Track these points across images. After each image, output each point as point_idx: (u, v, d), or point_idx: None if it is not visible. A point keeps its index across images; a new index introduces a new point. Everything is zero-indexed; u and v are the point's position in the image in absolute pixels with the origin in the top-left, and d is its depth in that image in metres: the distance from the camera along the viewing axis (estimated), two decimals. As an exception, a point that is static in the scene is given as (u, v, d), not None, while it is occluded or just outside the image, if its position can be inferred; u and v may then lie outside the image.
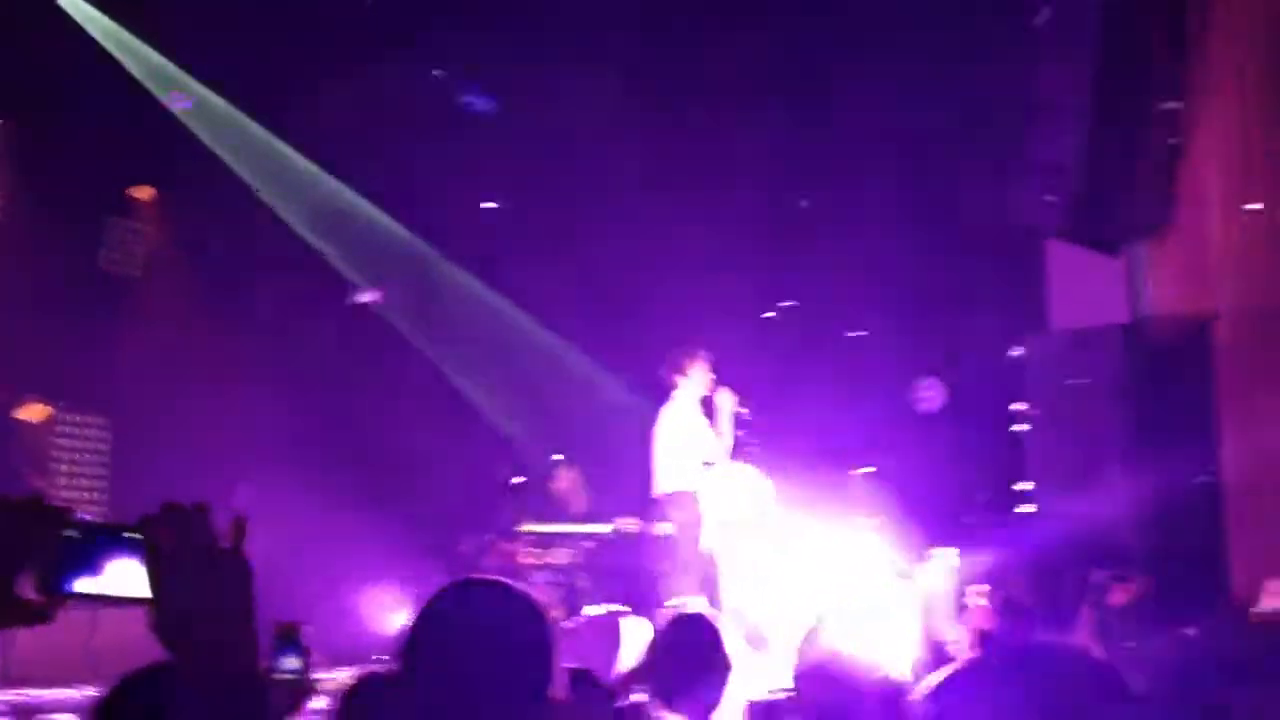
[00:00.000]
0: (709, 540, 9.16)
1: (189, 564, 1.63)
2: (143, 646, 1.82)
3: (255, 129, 12.01)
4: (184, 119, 11.71)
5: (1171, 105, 11.44)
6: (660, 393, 11.03)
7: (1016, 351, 11.59)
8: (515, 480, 10.00)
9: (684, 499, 8.55)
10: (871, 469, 11.17)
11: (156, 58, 11.58)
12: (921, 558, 10.34)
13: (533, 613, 2.08)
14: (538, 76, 11.84)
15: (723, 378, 10.46)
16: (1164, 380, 10.84)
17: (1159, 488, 9.88)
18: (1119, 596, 9.34)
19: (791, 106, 12.24)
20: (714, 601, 8.63)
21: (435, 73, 12.00)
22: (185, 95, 11.85)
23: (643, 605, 9.22)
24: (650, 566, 9.96)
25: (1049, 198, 11.66)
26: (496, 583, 2.17)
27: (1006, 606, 6.95)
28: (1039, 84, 11.51)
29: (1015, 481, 11.28)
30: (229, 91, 11.86)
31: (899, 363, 12.01)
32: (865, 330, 12.19)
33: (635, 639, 8.53)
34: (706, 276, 12.01)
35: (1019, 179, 11.69)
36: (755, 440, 10.23)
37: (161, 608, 1.63)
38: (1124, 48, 11.16)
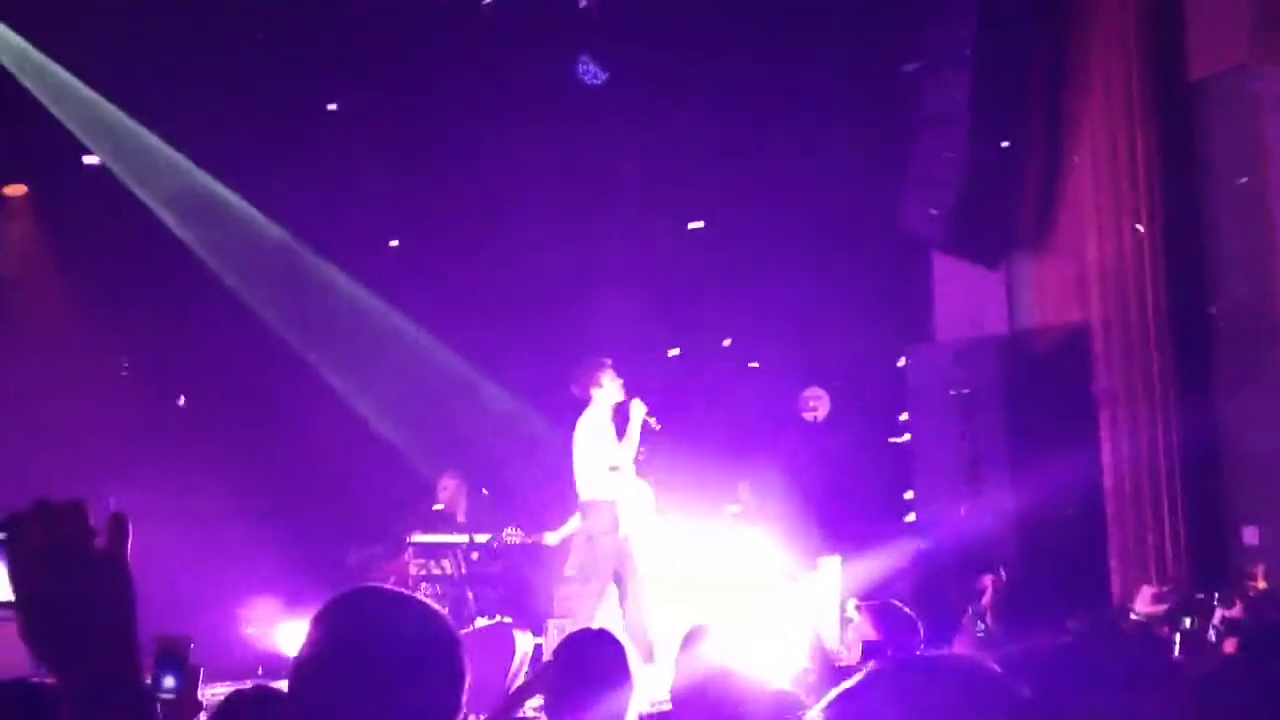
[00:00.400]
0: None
1: (61, 565, 1.52)
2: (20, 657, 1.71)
3: (127, 122, 11.64)
4: (54, 112, 11.29)
5: (1049, 122, 11.75)
6: (553, 403, 10.99)
7: (901, 362, 11.76)
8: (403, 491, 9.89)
9: (599, 507, 8.55)
10: (754, 479, 11.20)
11: (32, 52, 11.17)
12: (808, 566, 10.42)
13: (440, 625, 1.97)
14: (419, 77, 11.71)
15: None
16: (1043, 389, 11.09)
17: (1039, 495, 10.10)
18: (986, 596, 9.55)
19: (679, 119, 12.25)
20: (617, 611, 8.58)
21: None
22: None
23: (530, 616, 9.13)
24: (534, 576, 9.87)
25: (933, 210, 11.86)
26: (400, 594, 2.05)
27: (889, 613, 7.03)
28: (923, 98, 11.72)
29: (900, 490, 11.43)
30: (98, 81, 11.45)
31: (785, 373, 12.09)
32: (753, 341, 12.24)
33: (524, 650, 8.45)
34: (596, 286, 11.98)
35: (905, 191, 11.87)
36: (640, 449, 10.20)
37: (29, 612, 1.51)
38: (1002, 65, 11.42)
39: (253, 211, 12.14)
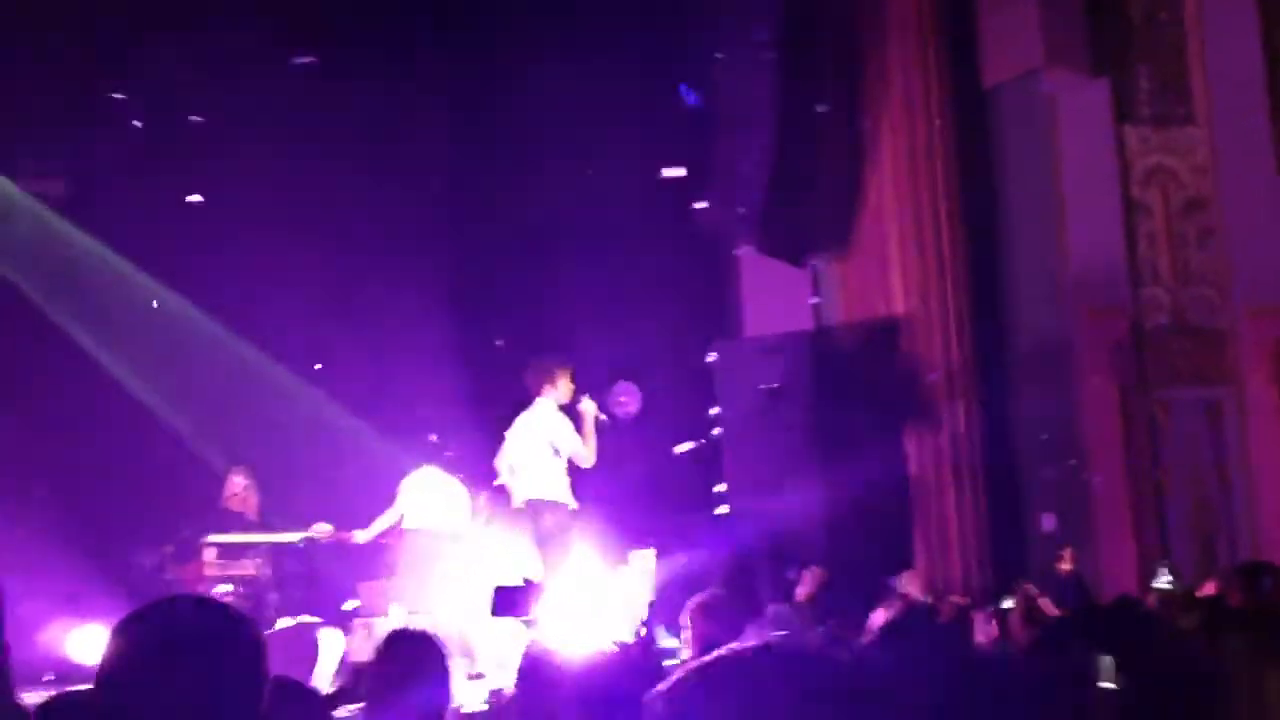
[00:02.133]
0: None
1: None
2: None
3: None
4: None
5: (851, 124, 12.00)
6: (360, 400, 10.63)
7: (711, 357, 11.81)
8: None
9: (553, 507, 8.34)
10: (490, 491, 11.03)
11: None
12: (621, 560, 10.34)
13: (242, 628, 1.96)
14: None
15: (422, 379, 10.16)
16: (848, 385, 11.30)
17: (847, 486, 10.26)
18: (802, 589, 9.67)
19: (482, 117, 12.06)
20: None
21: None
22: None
23: (334, 615, 8.81)
24: (342, 576, 9.53)
25: (740, 209, 11.97)
26: (202, 600, 2.08)
27: (705, 605, 7.00)
28: (727, 98, 11.83)
29: (711, 484, 11.47)
30: None
31: (597, 369, 12.00)
32: (562, 338, 12.09)
33: (331, 650, 8.13)
34: (400, 283, 11.68)
35: (711, 190, 11.94)
36: (451, 448, 9.97)
37: None
38: (802, 67, 11.63)
39: (20, 195, 11.43)
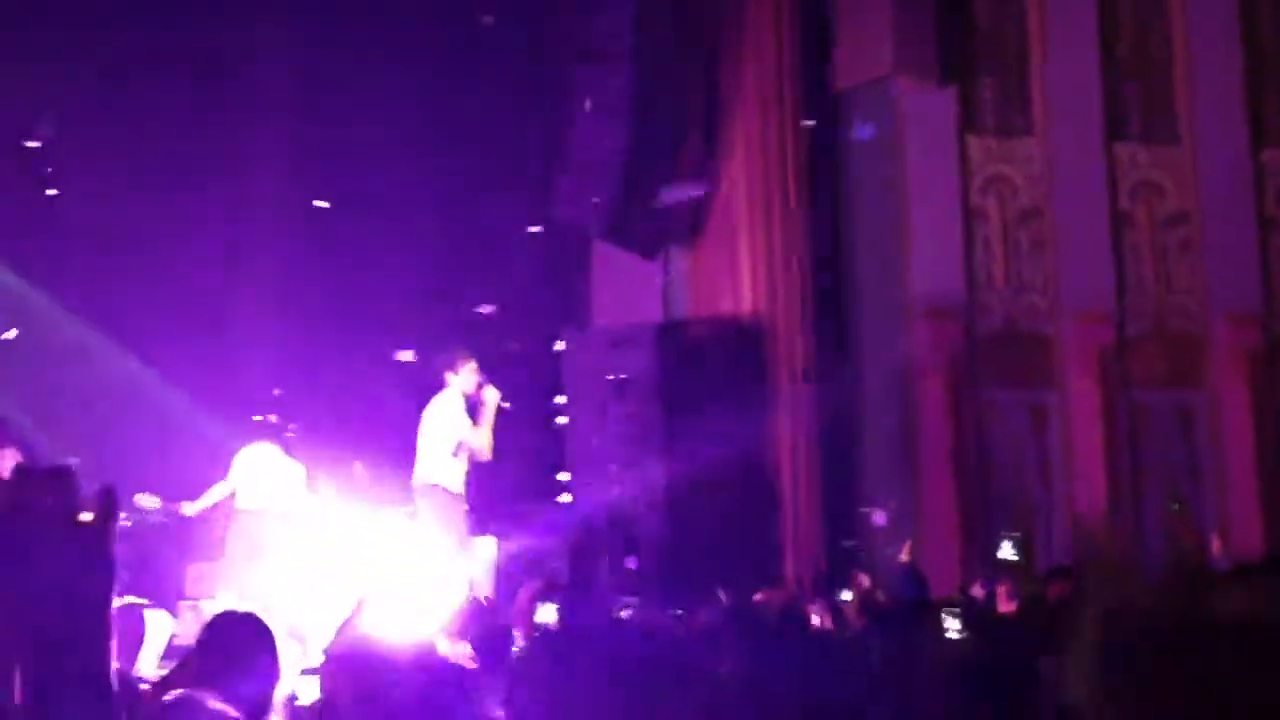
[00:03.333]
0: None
1: None
2: None
3: None
4: None
5: (705, 120, 12.12)
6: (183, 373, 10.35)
7: (559, 346, 11.83)
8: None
9: (439, 493, 8.23)
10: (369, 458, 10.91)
11: None
12: (463, 545, 10.30)
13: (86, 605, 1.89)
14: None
15: (255, 367, 9.98)
16: (694, 378, 11.44)
17: (691, 475, 10.38)
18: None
19: (326, 105, 11.84)
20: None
21: None
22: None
23: (162, 597, 8.58)
24: (168, 556, 9.29)
25: (594, 199, 12.01)
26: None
27: (547, 587, 7.05)
28: (583, 91, 11.85)
29: (556, 471, 11.49)
30: None
31: (444, 356, 11.91)
32: (410, 326, 11.98)
33: (158, 633, 7.91)
34: (241, 272, 11.46)
35: (565, 180, 11.96)
36: (293, 427, 9.80)
37: None
38: (659, 61, 11.73)
39: None
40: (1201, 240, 11.90)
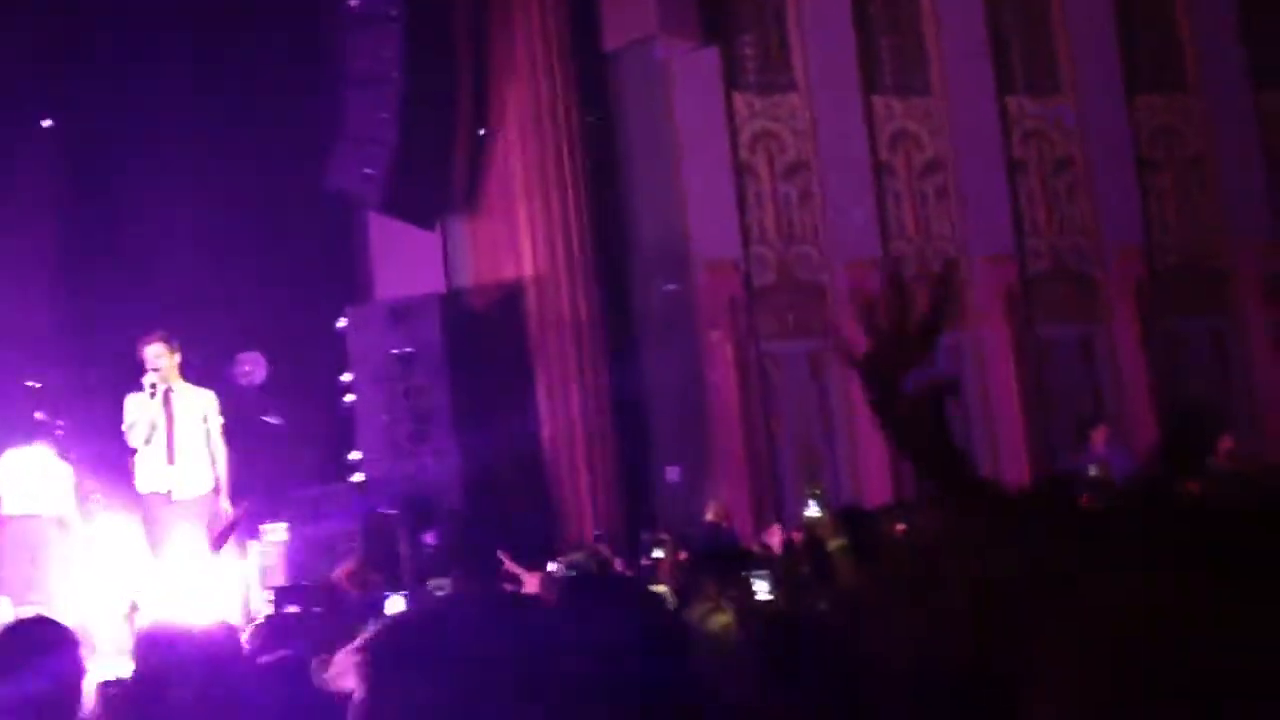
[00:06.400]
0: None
1: None
2: None
3: None
4: None
5: (477, 86, 12.06)
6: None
7: (341, 323, 11.62)
8: None
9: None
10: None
11: None
12: (252, 534, 10.07)
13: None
14: None
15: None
16: (481, 346, 11.42)
17: (483, 448, 10.38)
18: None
19: (97, 81, 11.30)
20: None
21: None
22: None
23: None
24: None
25: (368, 170, 11.79)
26: None
27: (353, 573, 6.98)
28: (352, 58, 11.60)
29: (345, 451, 11.32)
30: None
31: (220, 338, 11.56)
32: (179, 309, 11.55)
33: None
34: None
35: (337, 151, 11.70)
36: (59, 423, 9.38)
37: None
38: (428, 27, 11.58)
39: None
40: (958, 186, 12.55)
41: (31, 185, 11.49)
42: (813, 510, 9.43)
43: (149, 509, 8.04)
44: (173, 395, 8.03)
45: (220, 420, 8.35)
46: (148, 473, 8.01)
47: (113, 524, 8.65)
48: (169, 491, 7.98)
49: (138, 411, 7.88)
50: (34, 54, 11.35)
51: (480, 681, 1.77)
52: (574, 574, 6.09)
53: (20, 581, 8.16)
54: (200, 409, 8.22)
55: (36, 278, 11.23)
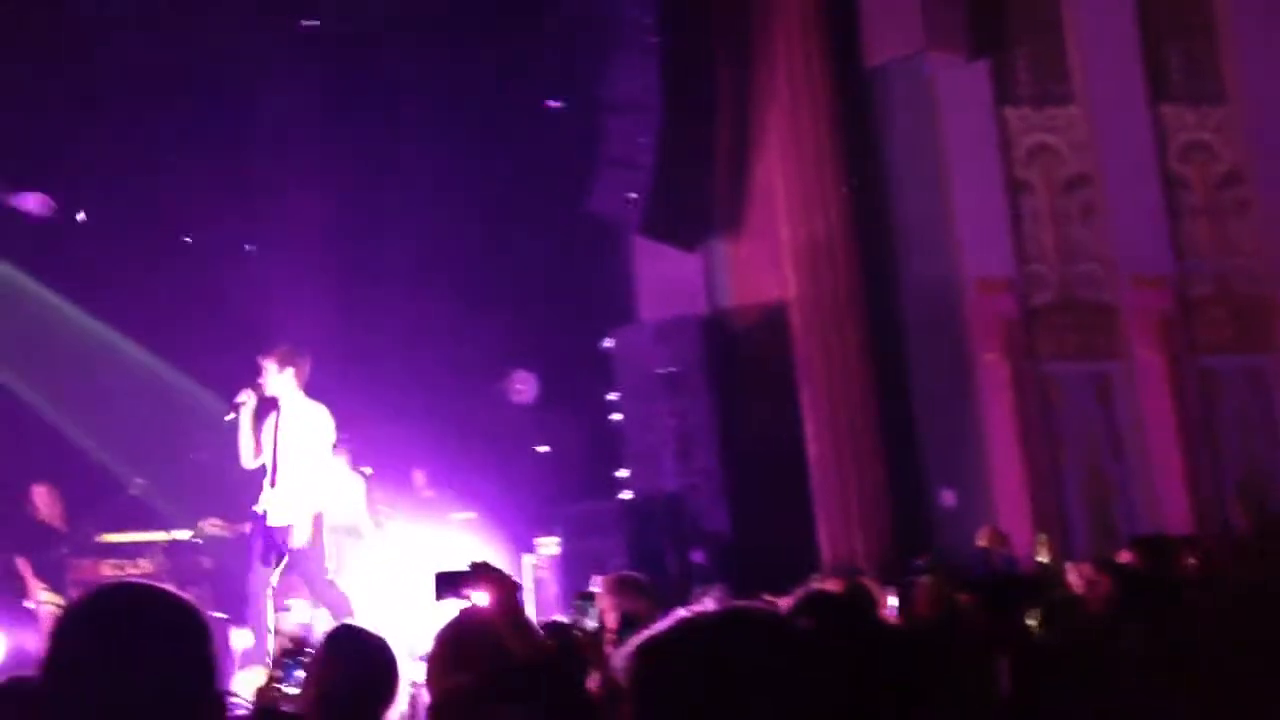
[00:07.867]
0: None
1: None
2: None
3: None
4: None
5: (737, 108, 12.04)
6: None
7: (608, 343, 11.76)
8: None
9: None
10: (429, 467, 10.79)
11: None
12: (524, 548, 10.24)
13: (189, 615, 1.95)
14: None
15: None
16: (744, 365, 11.35)
17: (747, 466, 10.28)
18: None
19: (364, 103, 11.78)
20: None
21: None
22: None
23: (238, 612, 8.52)
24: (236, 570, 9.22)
25: (629, 194, 11.91)
26: (149, 588, 2.01)
27: (621, 580, 6.92)
28: (612, 84, 11.77)
29: (613, 468, 11.42)
30: None
31: (492, 358, 11.86)
32: (456, 329, 11.88)
33: (242, 648, 7.85)
34: (280, 279, 11.36)
35: (599, 176, 11.87)
36: (352, 439, 9.72)
37: None
38: (688, 52, 11.63)
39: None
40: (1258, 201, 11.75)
41: (300, 206, 12.02)
42: (1042, 555, 9.01)
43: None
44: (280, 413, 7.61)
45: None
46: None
47: (398, 532, 8.91)
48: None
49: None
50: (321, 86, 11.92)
51: (744, 701, 1.71)
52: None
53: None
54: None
55: (326, 304, 11.69)
